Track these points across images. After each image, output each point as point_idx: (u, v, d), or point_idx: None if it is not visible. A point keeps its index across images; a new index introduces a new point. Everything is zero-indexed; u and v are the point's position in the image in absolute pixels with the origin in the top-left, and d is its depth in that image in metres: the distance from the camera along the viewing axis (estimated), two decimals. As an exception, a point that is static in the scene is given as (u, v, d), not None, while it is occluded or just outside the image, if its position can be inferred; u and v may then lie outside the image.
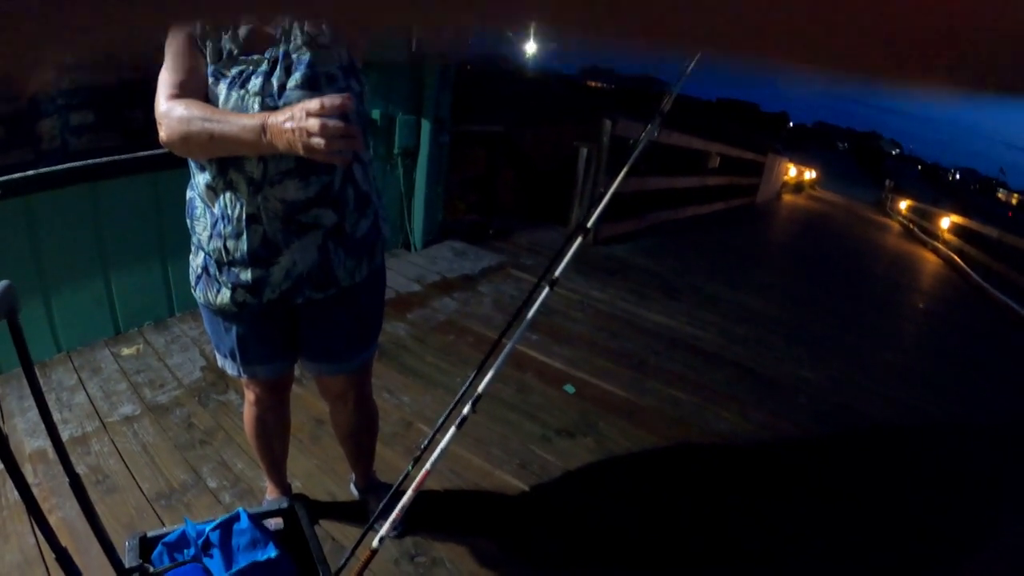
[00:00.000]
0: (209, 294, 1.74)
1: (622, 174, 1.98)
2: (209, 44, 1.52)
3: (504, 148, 6.75)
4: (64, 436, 2.60)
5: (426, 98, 4.97)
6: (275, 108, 1.48)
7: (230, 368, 1.93)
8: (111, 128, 3.28)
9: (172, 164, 3.31)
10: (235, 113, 1.46)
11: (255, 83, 1.50)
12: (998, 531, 3.00)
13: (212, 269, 1.71)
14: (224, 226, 1.63)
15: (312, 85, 1.54)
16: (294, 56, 1.53)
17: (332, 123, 1.34)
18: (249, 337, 1.85)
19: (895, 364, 5.19)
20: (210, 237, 1.66)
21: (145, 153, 3.32)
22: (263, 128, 1.40)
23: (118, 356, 3.28)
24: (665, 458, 3.05)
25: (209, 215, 1.65)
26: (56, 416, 2.74)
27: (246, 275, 1.67)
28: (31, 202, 2.99)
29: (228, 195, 1.59)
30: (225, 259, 1.66)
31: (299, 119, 1.36)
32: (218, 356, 1.96)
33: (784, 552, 2.59)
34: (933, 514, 3.02)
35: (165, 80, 1.52)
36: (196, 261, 1.77)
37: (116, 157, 3.25)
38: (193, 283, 1.80)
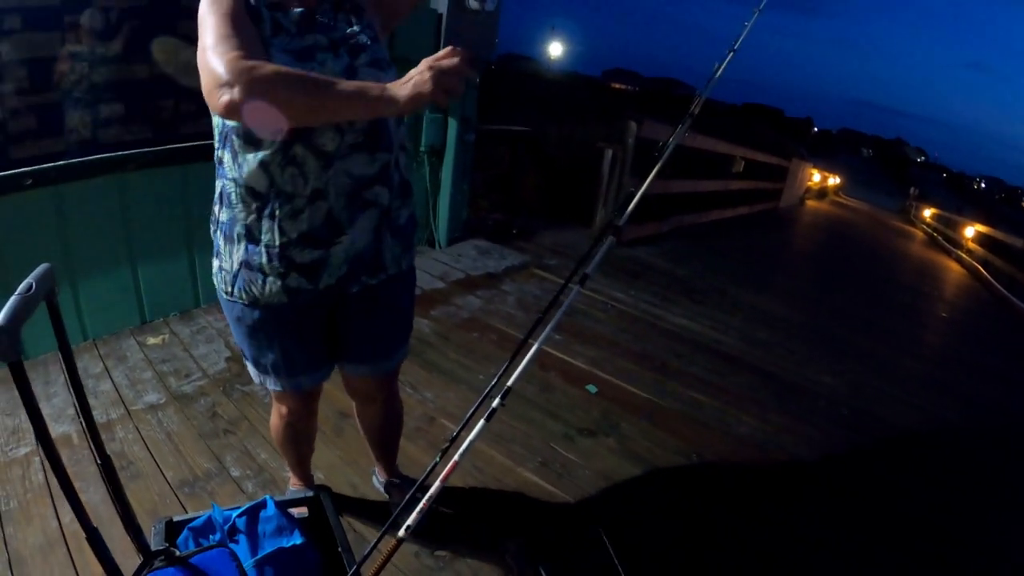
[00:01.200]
0: (254, 288, 1.65)
1: (653, 174, 1.98)
2: (267, 16, 1.49)
3: (528, 148, 6.76)
4: (89, 422, 2.63)
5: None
6: (352, 79, 1.46)
7: (271, 383, 1.88)
8: (141, 120, 3.30)
9: (201, 156, 3.37)
10: (340, 79, 1.35)
11: (324, 57, 1.51)
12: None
13: (258, 259, 1.62)
14: (279, 206, 1.57)
15: (380, 65, 1.59)
16: (354, 41, 1.58)
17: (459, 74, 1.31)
18: (294, 342, 1.80)
19: (917, 371, 5.15)
20: (259, 219, 1.59)
21: (174, 145, 3.35)
22: (384, 88, 1.30)
23: (144, 345, 3.31)
24: (685, 460, 3.04)
25: (255, 198, 1.58)
26: (82, 403, 2.77)
27: (303, 256, 1.62)
28: (61, 192, 3.03)
29: (290, 171, 1.53)
30: (279, 241, 1.59)
31: (428, 65, 1.30)
32: (255, 372, 1.90)
33: (806, 556, 2.58)
34: (956, 521, 3.00)
35: (225, 40, 1.33)
36: (233, 257, 1.66)
37: (144, 149, 3.28)
38: (227, 286, 1.70)
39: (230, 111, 1.29)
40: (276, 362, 1.82)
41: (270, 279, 1.63)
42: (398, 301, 1.91)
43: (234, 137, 1.55)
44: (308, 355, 1.86)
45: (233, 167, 1.58)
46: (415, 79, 1.29)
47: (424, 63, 1.30)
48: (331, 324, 1.86)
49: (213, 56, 1.31)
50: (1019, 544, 2.97)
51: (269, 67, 1.28)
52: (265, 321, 1.73)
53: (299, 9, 1.53)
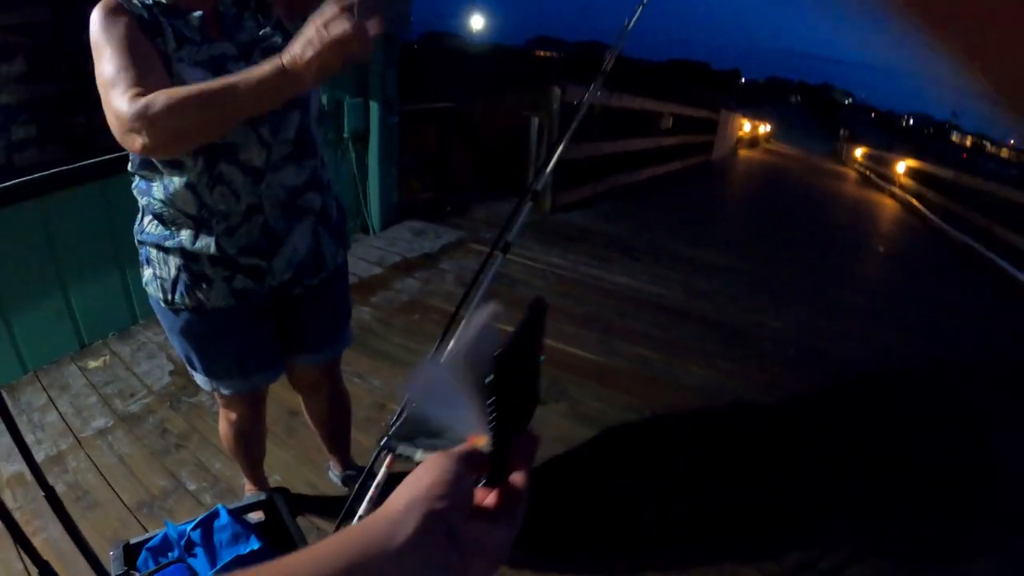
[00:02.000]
0: (199, 293, 1.62)
1: (567, 136, 2.00)
2: (167, 29, 1.41)
3: (455, 124, 6.73)
4: (39, 456, 2.59)
5: (372, 80, 4.94)
6: None
7: (224, 389, 1.85)
8: (54, 139, 3.23)
9: (119, 170, 3.30)
10: (235, 75, 1.23)
11: (237, 68, 1.36)
12: (984, 463, 3.09)
13: (197, 266, 1.59)
14: (215, 223, 1.54)
15: None
16: (265, 43, 1.51)
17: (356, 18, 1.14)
18: (246, 343, 1.78)
19: (859, 306, 5.29)
20: (195, 238, 1.56)
21: (90, 161, 3.28)
22: (283, 70, 1.18)
23: (85, 370, 3.26)
24: (637, 416, 3.10)
25: (188, 218, 1.55)
26: (30, 438, 2.72)
27: (247, 261, 1.60)
28: (-22, 223, 2.95)
29: (219, 189, 1.50)
30: (218, 257, 1.57)
31: (322, 33, 1.13)
32: (204, 380, 1.85)
33: (766, 498, 2.66)
34: (907, 444, 3.12)
35: (119, 76, 1.27)
36: (170, 264, 1.61)
37: (62, 168, 3.20)
38: (165, 294, 1.64)
39: (149, 152, 1.28)
40: (229, 365, 1.80)
41: (216, 283, 1.61)
42: (337, 291, 1.94)
43: (154, 160, 1.50)
44: (260, 353, 1.85)
45: (159, 188, 1.54)
46: (315, 57, 1.16)
47: (312, 27, 1.15)
48: (279, 319, 1.85)
49: (114, 96, 1.26)
50: (971, 457, 3.08)
51: (162, 98, 1.20)
52: (214, 325, 1.70)
53: (198, 13, 1.44)
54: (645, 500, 2.58)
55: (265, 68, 1.19)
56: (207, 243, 1.56)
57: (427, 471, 0.53)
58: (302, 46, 1.15)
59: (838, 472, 2.85)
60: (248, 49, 1.50)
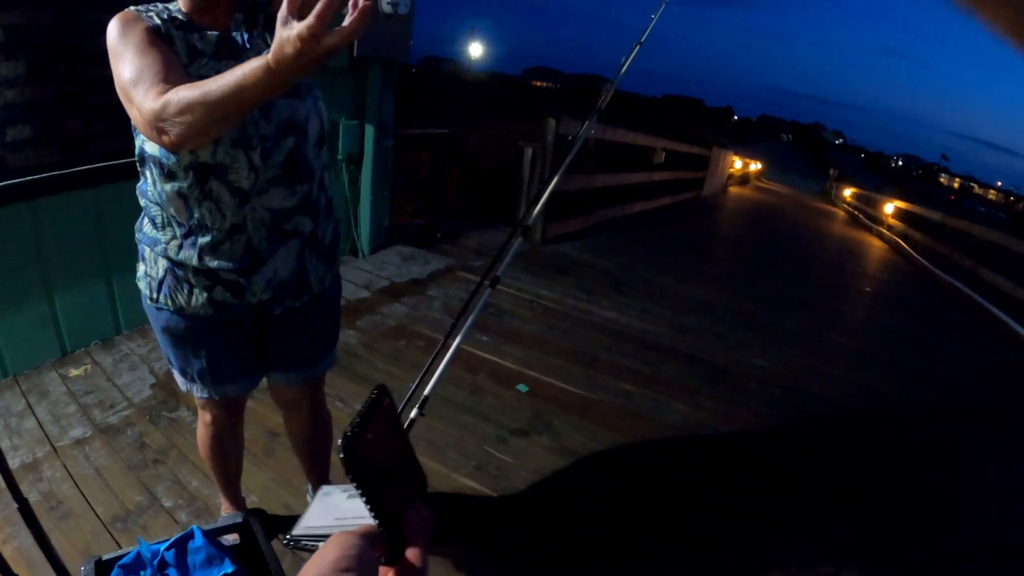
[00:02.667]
0: (180, 297, 1.65)
1: (560, 172, 2.02)
2: (180, 39, 1.45)
3: (449, 150, 6.75)
4: (14, 463, 2.56)
5: (369, 103, 4.95)
6: (265, 118, 1.49)
7: (198, 391, 1.88)
8: (49, 142, 3.22)
9: (113, 177, 3.30)
10: (227, 72, 1.21)
11: None
12: (961, 504, 3.10)
13: (180, 272, 1.62)
14: (201, 237, 1.56)
15: (297, 93, 1.56)
16: None
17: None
18: (220, 354, 1.80)
19: (845, 346, 5.32)
20: (180, 247, 1.59)
21: (85, 167, 3.27)
22: (267, 67, 1.17)
23: (66, 378, 3.23)
24: (622, 451, 3.10)
25: (177, 225, 1.57)
26: (5, 443, 2.69)
27: (222, 286, 1.63)
28: (-32, 224, 2.93)
29: (207, 204, 1.52)
30: (200, 268, 1.60)
31: (299, 29, 1.07)
32: (181, 380, 1.89)
33: (746, 535, 2.65)
34: (890, 490, 3.12)
35: (142, 75, 1.30)
36: (158, 264, 1.65)
37: (55, 173, 3.19)
38: (152, 292, 1.68)
39: (175, 148, 1.29)
40: (203, 371, 1.82)
41: (196, 291, 1.64)
42: (323, 315, 1.93)
43: (151, 165, 1.52)
44: (235, 364, 1.86)
45: (155, 192, 1.57)
46: (296, 53, 1.11)
47: (287, 26, 1.10)
48: (258, 333, 1.85)
49: (137, 95, 1.28)
50: (956, 504, 3.09)
51: (183, 93, 1.21)
52: (191, 330, 1.73)
53: (214, 32, 1.49)
54: (623, 533, 2.57)
55: (251, 65, 1.19)
56: (190, 255, 1.58)
57: (332, 547, 0.58)
58: (282, 41, 1.12)
59: (819, 511, 2.84)
60: None
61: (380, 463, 0.61)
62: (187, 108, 1.21)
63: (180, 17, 1.47)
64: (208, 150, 1.45)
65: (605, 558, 2.44)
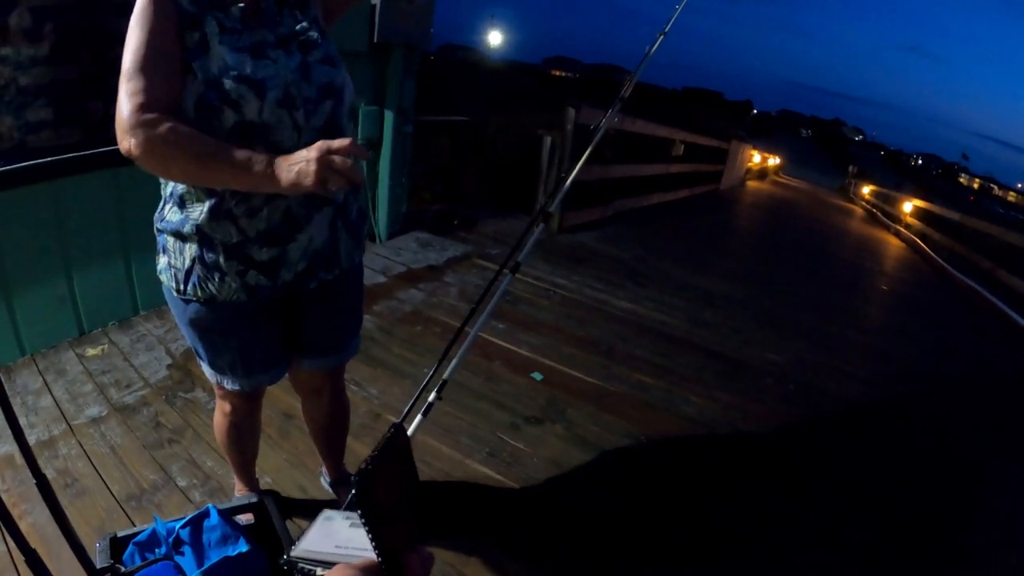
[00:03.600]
0: (210, 285, 1.63)
1: (582, 160, 2.01)
2: (210, 19, 1.46)
3: (468, 137, 6.75)
4: (31, 440, 2.57)
5: (389, 88, 4.94)
6: (306, 80, 1.52)
7: (228, 383, 1.87)
8: (71, 124, 3.22)
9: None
10: (234, 144, 1.37)
11: (276, 55, 1.51)
12: (974, 507, 3.09)
13: (211, 257, 1.60)
14: (235, 204, 1.55)
15: (332, 62, 1.59)
16: (303, 37, 1.57)
17: (350, 163, 1.32)
18: (253, 341, 1.79)
19: (861, 344, 5.29)
20: (213, 219, 1.56)
21: (106, 148, 3.27)
22: (269, 162, 1.34)
23: (83, 357, 3.25)
24: (634, 442, 3.09)
25: (209, 197, 1.55)
26: (22, 420, 2.70)
27: (261, 255, 1.61)
28: (-11, 202, 2.94)
29: None
30: (235, 239, 1.58)
31: (322, 153, 1.31)
32: (211, 372, 1.87)
33: (756, 532, 2.64)
34: (901, 489, 3.10)
35: (136, 77, 1.36)
36: (185, 255, 1.63)
37: (76, 154, 3.20)
38: (178, 284, 1.66)
39: (129, 156, 1.36)
40: (234, 362, 1.81)
41: (228, 277, 1.62)
42: (351, 294, 1.94)
43: None
44: (266, 352, 1.85)
45: None
46: (300, 167, 1.32)
47: (317, 148, 1.32)
48: (289, 318, 1.85)
49: (124, 92, 1.37)
50: (968, 509, 3.07)
51: (165, 126, 1.33)
52: (222, 320, 1.71)
53: (240, 5, 1.50)
54: (636, 525, 2.56)
55: (257, 156, 1.34)
56: (226, 226, 1.57)
57: None
58: (300, 166, 1.32)
59: (831, 511, 2.83)
60: (286, 39, 1.54)
61: (389, 500, 0.61)
62: (170, 144, 1.34)
63: None
64: (254, 109, 1.45)
65: (615, 549, 2.43)
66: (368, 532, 0.56)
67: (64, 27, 3.05)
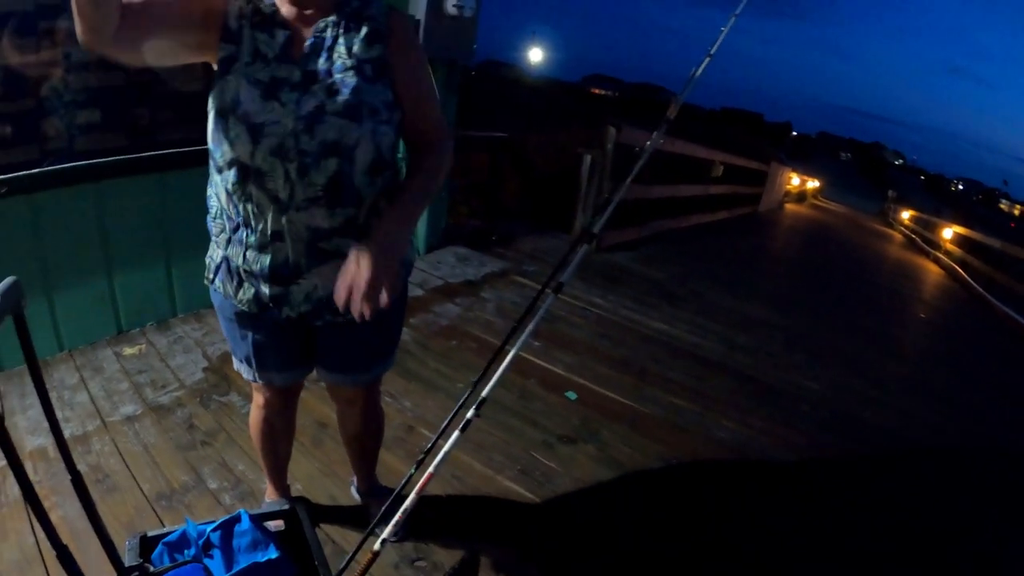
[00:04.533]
0: (228, 287, 1.67)
1: (629, 180, 1.98)
2: (248, 37, 1.45)
3: (507, 154, 6.76)
4: (65, 434, 2.59)
5: (431, 103, 4.94)
6: (308, 133, 1.44)
7: (245, 373, 1.90)
8: (117, 127, 3.27)
9: (177, 165, 3.34)
10: None
11: (290, 98, 1.44)
12: (1008, 546, 3.01)
13: (233, 264, 1.63)
14: (247, 234, 1.56)
15: (354, 115, 1.46)
16: (338, 77, 1.47)
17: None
18: (266, 345, 1.80)
19: (897, 373, 5.20)
20: (228, 241, 1.60)
21: (151, 153, 3.32)
22: None
23: (120, 356, 3.28)
24: (666, 465, 3.05)
25: (227, 218, 1.58)
26: (57, 415, 2.73)
27: (265, 289, 1.61)
28: (36, 200, 2.99)
29: (250, 206, 1.51)
30: (243, 267, 1.60)
31: (359, 286, 1.38)
32: (234, 360, 1.92)
33: (787, 560, 2.59)
34: (937, 523, 3.02)
35: None
36: (216, 254, 1.69)
37: (122, 157, 3.25)
38: (210, 273, 1.72)
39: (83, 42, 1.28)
40: (248, 357, 1.84)
41: (245, 285, 1.65)
42: (378, 327, 1.75)
43: (210, 158, 1.55)
44: (279, 358, 1.86)
45: (211, 179, 1.60)
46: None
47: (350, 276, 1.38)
48: (306, 334, 1.84)
49: None
50: (999, 544, 3.00)
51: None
52: (239, 316, 1.76)
53: (285, 32, 1.46)
54: (666, 550, 2.52)
55: None
56: (237, 251, 1.59)
57: None
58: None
59: (866, 545, 2.77)
60: (313, 78, 1.47)
61: None
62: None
63: (265, 7, 1.46)
64: (247, 152, 1.44)
65: (644, 573, 2.40)
66: None
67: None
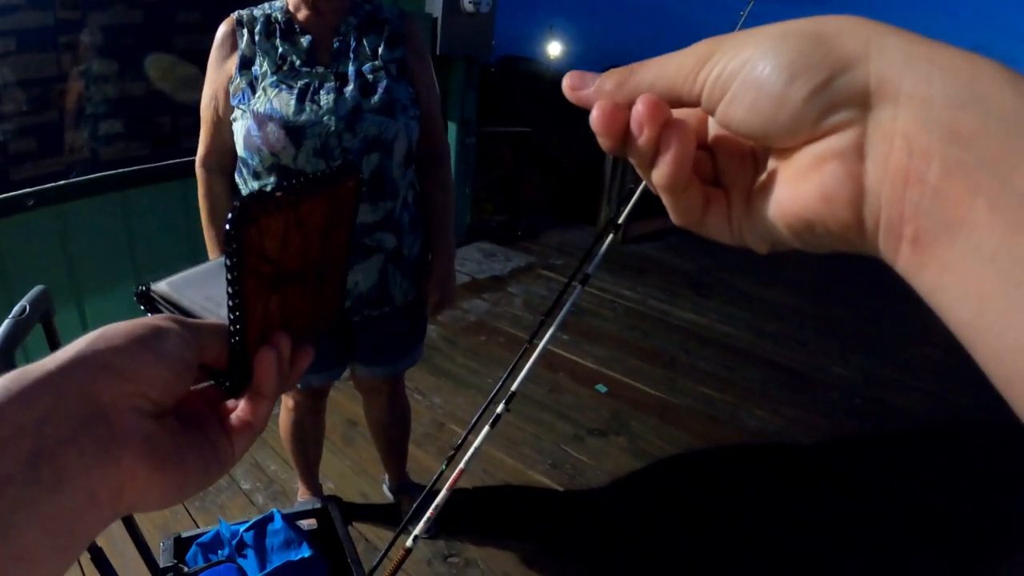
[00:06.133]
0: None
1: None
2: (268, 55, 1.51)
3: (530, 148, 6.72)
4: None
5: (451, 100, 4.97)
6: (350, 131, 1.51)
7: None
8: (140, 137, 3.30)
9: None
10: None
11: (327, 99, 1.50)
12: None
13: None
14: None
15: (390, 111, 1.55)
16: (369, 77, 1.54)
17: None
18: None
19: (928, 358, 5.10)
20: None
21: (174, 161, 3.35)
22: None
23: (151, 361, 3.30)
24: (698, 456, 3.03)
25: None
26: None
27: None
28: (63, 211, 3.02)
29: None
30: None
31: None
32: None
33: (819, 549, 2.56)
34: (970, 510, 2.97)
35: (201, 130, 1.66)
36: None
37: (145, 166, 3.28)
38: None
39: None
40: None
41: None
42: (409, 321, 1.94)
43: (241, 167, 1.61)
44: (318, 358, 1.85)
45: (246, 190, 1.65)
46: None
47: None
48: (343, 330, 1.87)
49: (201, 134, 1.67)
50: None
51: (204, 181, 1.74)
52: None
53: (308, 37, 1.52)
54: (698, 541, 2.51)
55: None
56: None
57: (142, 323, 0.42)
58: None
59: (896, 532, 2.73)
60: (343, 81, 1.54)
61: (284, 259, 0.44)
62: (202, 196, 1.81)
63: (280, 20, 1.51)
64: (290, 155, 1.49)
65: (676, 565, 2.39)
66: (231, 287, 0.41)
67: (132, 45, 3.13)
